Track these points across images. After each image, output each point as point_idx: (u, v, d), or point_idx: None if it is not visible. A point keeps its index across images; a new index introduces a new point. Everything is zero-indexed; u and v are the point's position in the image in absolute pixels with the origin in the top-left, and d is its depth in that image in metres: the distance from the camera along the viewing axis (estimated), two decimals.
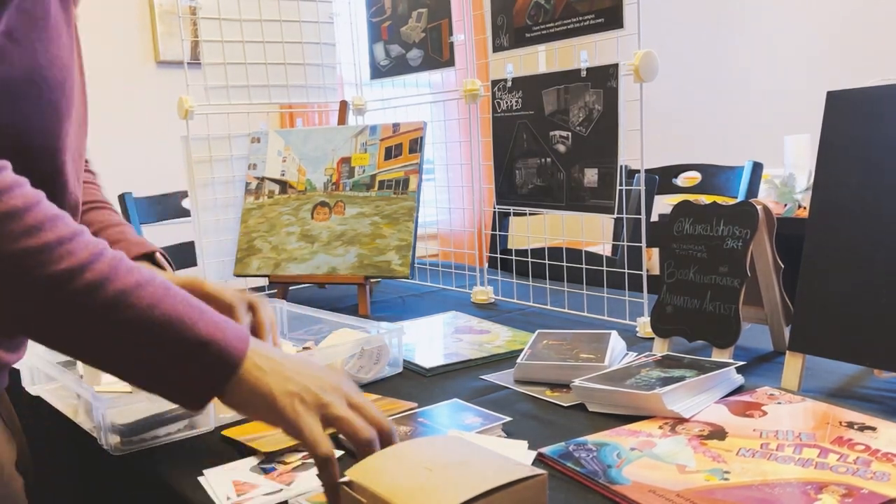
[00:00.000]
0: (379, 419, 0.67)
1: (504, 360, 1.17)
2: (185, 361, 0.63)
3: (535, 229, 1.79)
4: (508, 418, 0.89)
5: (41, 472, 1.22)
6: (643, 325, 1.27)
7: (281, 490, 0.76)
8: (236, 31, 1.72)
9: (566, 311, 1.48)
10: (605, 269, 1.49)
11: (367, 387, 1.07)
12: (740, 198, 2.01)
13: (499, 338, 1.28)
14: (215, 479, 0.79)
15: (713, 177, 2.11)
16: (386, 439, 0.67)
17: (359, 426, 0.66)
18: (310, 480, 0.77)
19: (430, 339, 1.30)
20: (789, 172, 2.17)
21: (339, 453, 0.84)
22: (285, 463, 0.82)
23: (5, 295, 0.59)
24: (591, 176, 1.36)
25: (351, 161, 1.64)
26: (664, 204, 2.09)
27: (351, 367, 1.07)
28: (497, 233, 1.91)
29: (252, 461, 0.83)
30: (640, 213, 1.38)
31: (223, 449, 0.88)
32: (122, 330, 0.61)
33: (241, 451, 0.86)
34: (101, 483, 1.02)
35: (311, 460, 0.70)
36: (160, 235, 2.31)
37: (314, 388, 0.66)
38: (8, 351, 0.79)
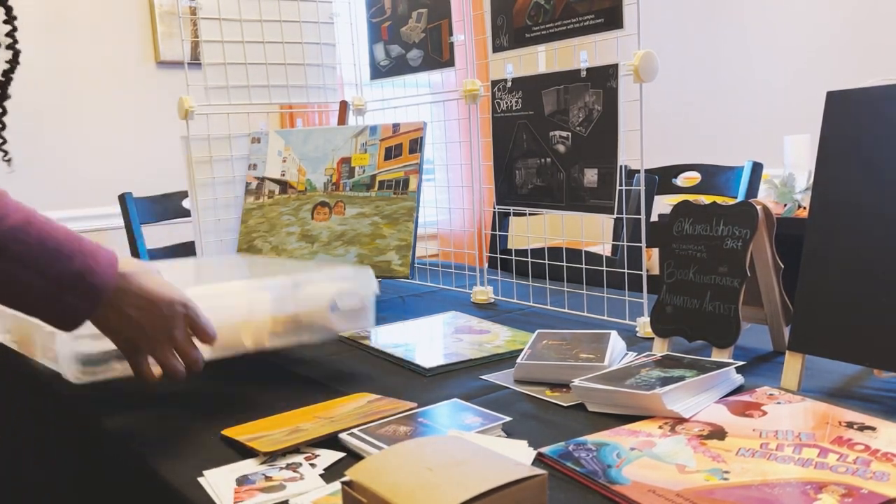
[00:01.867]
0: (193, 364, 0.91)
1: (504, 360, 1.17)
2: (63, 291, 0.76)
3: (535, 229, 1.79)
4: (508, 418, 0.90)
5: (43, 472, 1.22)
6: (643, 325, 1.27)
7: (281, 490, 0.76)
8: (236, 32, 1.72)
9: (566, 311, 1.48)
10: (604, 269, 1.49)
11: (364, 386, 1.07)
12: (740, 198, 2.01)
13: (499, 338, 1.28)
14: (215, 480, 0.79)
15: (713, 177, 2.11)
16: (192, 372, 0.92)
17: (172, 370, 0.89)
18: (312, 481, 0.77)
19: (430, 339, 1.30)
20: (789, 172, 2.17)
21: (340, 455, 0.84)
22: (286, 464, 0.82)
23: None
24: (590, 176, 1.36)
25: (351, 161, 1.64)
26: (664, 204, 2.09)
27: (329, 316, 1.03)
28: (497, 233, 1.91)
29: (252, 461, 0.83)
30: (639, 214, 1.38)
31: (223, 449, 0.88)
32: (12, 262, 0.73)
33: (241, 451, 0.87)
34: (102, 483, 1.02)
35: (313, 462, 0.81)
36: (160, 235, 2.32)
37: (150, 338, 0.85)
38: None
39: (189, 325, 0.90)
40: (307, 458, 0.83)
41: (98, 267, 0.79)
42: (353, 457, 0.83)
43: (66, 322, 0.80)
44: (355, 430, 0.87)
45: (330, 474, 0.79)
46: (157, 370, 0.91)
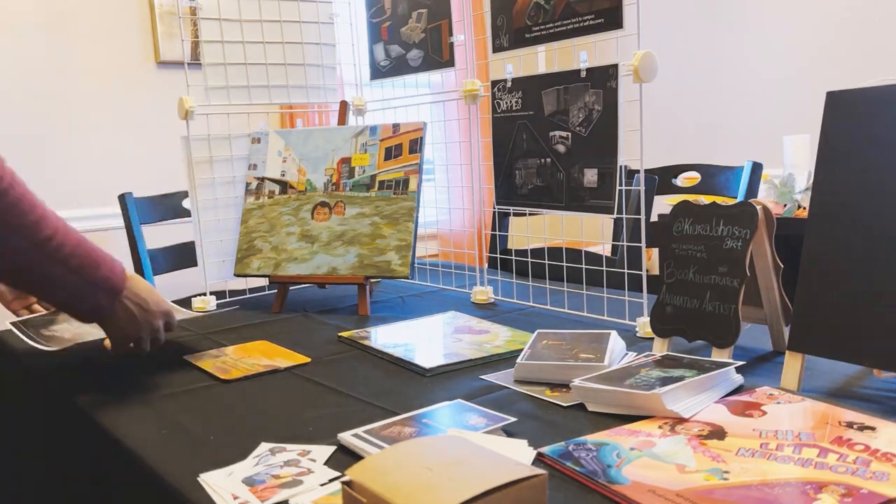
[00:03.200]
0: (156, 347, 1.16)
1: (504, 360, 1.17)
2: (94, 292, 1.02)
3: (535, 229, 1.79)
4: (513, 419, 0.89)
5: (43, 472, 1.22)
6: (643, 325, 1.27)
7: (284, 489, 0.76)
8: (236, 32, 1.72)
9: (566, 311, 1.48)
10: (604, 269, 1.49)
11: (364, 387, 1.07)
12: (740, 198, 2.01)
13: (498, 338, 1.28)
14: (215, 480, 0.79)
15: (713, 177, 2.11)
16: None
17: (143, 351, 1.15)
18: (314, 479, 0.78)
19: (429, 339, 1.30)
20: (789, 172, 2.17)
21: (331, 449, 0.84)
22: (284, 461, 0.82)
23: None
24: (590, 176, 1.36)
25: (351, 161, 1.64)
26: (664, 204, 2.09)
27: None
28: (497, 233, 1.91)
29: (251, 462, 0.83)
30: (639, 214, 1.38)
31: (223, 449, 0.88)
32: (63, 269, 0.98)
33: (240, 451, 0.86)
34: (102, 483, 1.02)
35: (310, 464, 0.79)
36: (160, 235, 2.31)
37: (142, 332, 1.11)
38: None
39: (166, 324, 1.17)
40: (302, 454, 0.82)
41: (114, 273, 1.04)
42: (355, 458, 0.83)
43: (92, 315, 1.05)
44: (358, 431, 0.87)
45: (335, 468, 0.79)
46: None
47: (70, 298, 1.02)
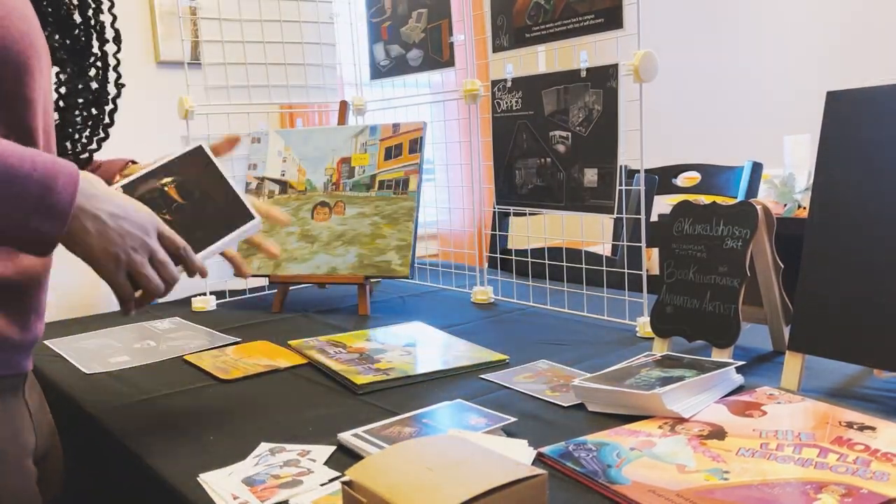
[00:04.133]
0: (171, 277, 0.83)
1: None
2: (27, 217, 0.69)
3: (535, 229, 1.78)
4: (513, 419, 0.89)
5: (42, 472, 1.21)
6: (643, 325, 1.27)
7: (284, 489, 0.76)
8: (236, 32, 1.72)
9: (566, 311, 1.48)
10: (604, 269, 1.49)
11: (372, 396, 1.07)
12: (740, 198, 2.01)
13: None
14: (215, 480, 0.79)
15: (713, 177, 2.11)
16: (169, 289, 0.84)
17: (153, 284, 0.81)
18: (314, 479, 0.77)
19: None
20: (789, 172, 2.16)
21: (331, 449, 0.84)
22: (284, 461, 0.82)
23: None
24: (590, 176, 1.36)
25: (351, 161, 1.64)
26: (664, 204, 2.08)
27: None
28: (497, 233, 1.90)
29: (251, 463, 0.83)
30: (639, 213, 1.38)
31: (223, 449, 0.88)
32: None
33: (240, 452, 0.86)
34: (102, 483, 1.02)
35: (309, 464, 0.79)
36: None
37: (128, 248, 0.78)
38: (21, 330, 0.80)
39: (160, 237, 0.83)
40: (302, 454, 0.82)
41: (57, 185, 0.71)
42: (354, 458, 0.83)
43: (38, 247, 0.73)
44: (358, 431, 0.87)
45: (335, 468, 0.79)
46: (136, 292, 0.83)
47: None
